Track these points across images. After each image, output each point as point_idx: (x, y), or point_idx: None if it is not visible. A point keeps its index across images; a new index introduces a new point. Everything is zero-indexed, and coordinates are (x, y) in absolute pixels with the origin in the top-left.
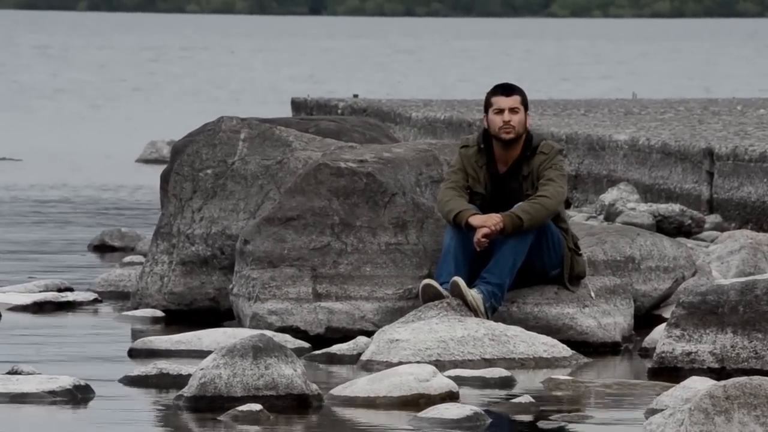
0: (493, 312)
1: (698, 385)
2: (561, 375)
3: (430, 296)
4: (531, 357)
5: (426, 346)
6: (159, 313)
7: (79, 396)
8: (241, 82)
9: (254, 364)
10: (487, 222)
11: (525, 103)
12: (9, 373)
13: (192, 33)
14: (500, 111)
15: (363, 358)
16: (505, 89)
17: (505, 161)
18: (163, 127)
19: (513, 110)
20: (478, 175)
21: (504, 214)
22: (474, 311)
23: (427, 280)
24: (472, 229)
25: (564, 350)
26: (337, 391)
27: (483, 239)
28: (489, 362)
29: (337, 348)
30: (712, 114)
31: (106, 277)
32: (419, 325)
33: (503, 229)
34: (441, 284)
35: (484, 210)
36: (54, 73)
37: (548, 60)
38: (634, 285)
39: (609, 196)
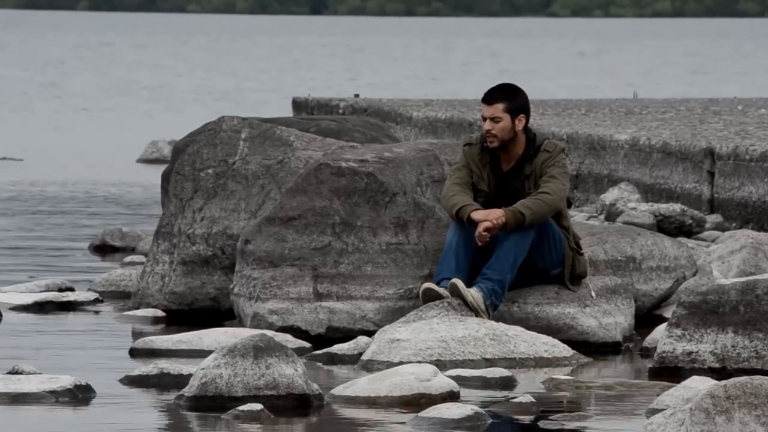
0: (494, 309)
1: (699, 384)
2: (562, 375)
3: (431, 299)
4: (532, 357)
5: (427, 345)
6: (160, 313)
7: (79, 396)
8: (240, 82)
9: (255, 364)
10: (489, 216)
11: (514, 108)
12: (10, 372)
13: (190, 32)
14: (484, 119)
15: (364, 357)
16: (487, 97)
17: (508, 160)
18: (164, 126)
19: (493, 119)
20: (482, 173)
21: (506, 209)
22: (474, 311)
23: (426, 284)
24: (474, 224)
25: (565, 350)
26: (337, 390)
27: (484, 233)
28: (490, 362)
29: (337, 348)
30: (713, 113)
31: (107, 276)
32: (420, 325)
33: (505, 224)
34: (442, 279)
35: (487, 207)
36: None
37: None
38: (634, 285)
39: (610, 195)
